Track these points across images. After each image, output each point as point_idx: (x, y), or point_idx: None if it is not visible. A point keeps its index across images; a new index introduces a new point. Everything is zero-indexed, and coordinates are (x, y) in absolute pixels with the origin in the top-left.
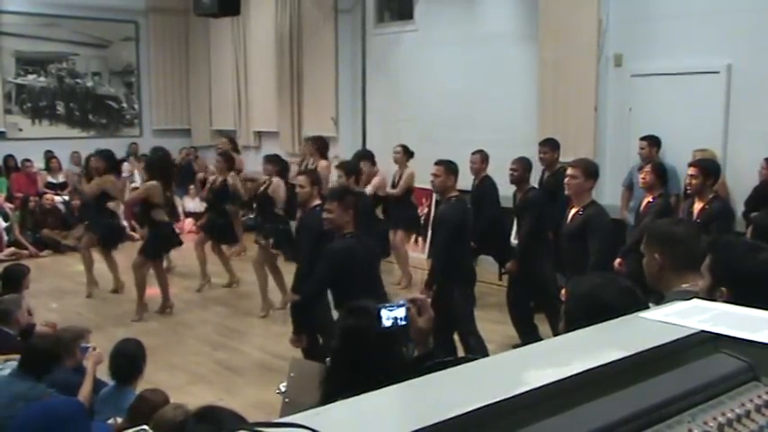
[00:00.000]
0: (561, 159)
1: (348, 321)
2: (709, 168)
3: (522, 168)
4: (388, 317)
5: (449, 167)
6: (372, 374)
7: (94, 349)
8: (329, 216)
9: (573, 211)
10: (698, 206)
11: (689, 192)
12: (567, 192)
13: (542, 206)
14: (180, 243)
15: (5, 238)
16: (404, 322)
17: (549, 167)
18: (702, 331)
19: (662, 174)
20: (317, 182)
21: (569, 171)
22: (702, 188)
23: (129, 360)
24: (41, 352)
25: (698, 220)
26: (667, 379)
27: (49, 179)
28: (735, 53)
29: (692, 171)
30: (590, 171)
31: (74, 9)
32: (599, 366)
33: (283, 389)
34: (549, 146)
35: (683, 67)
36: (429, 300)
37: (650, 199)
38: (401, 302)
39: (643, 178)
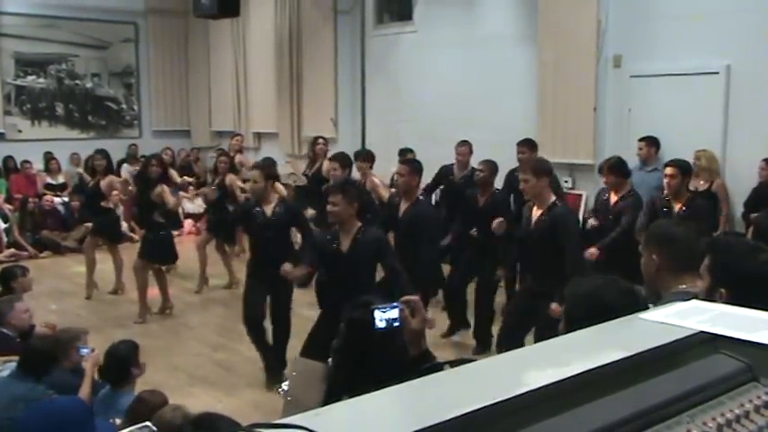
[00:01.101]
0: (561, 160)
1: (355, 315)
2: (685, 168)
3: (489, 171)
4: (381, 318)
5: (413, 167)
6: (376, 372)
7: (93, 351)
8: (334, 209)
9: (537, 213)
10: (677, 206)
11: (666, 193)
12: (525, 197)
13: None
14: (175, 259)
15: (5, 239)
16: (397, 324)
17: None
18: (702, 332)
19: (621, 170)
20: (273, 176)
21: (521, 176)
22: (680, 188)
23: (117, 362)
24: (40, 353)
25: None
26: (667, 380)
27: (49, 180)
28: (734, 54)
29: (669, 171)
30: (539, 170)
31: (73, 10)
32: (599, 367)
33: (285, 388)
34: (528, 146)
35: (682, 68)
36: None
37: (618, 196)
38: (394, 304)
39: (606, 181)
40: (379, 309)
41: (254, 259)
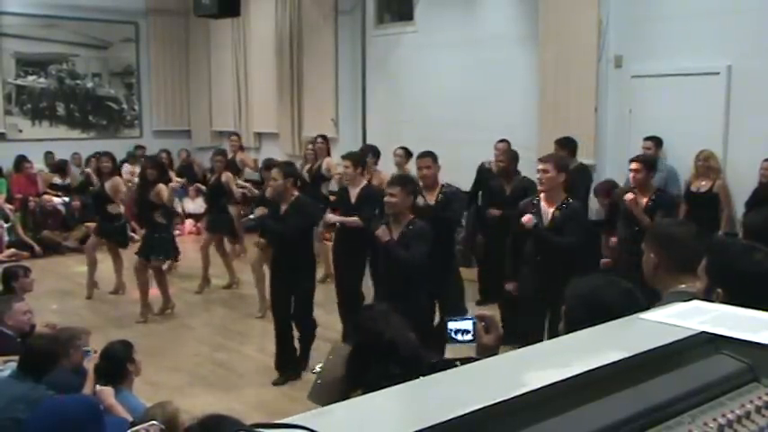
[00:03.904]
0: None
1: (366, 322)
2: (650, 163)
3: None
4: (452, 328)
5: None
6: (384, 377)
7: (95, 352)
8: (392, 200)
9: (430, 196)
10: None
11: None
12: (421, 183)
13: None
14: (177, 255)
15: (6, 239)
16: (470, 337)
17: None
18: (703, 332)
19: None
20: (292, 174)
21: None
22: (646, 182)
23: (113, 362)
24: (39, 353)
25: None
26: (668, 380)
27: (56, 180)
28: (735, 54)
29: (635, 166)
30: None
31: (74, 10)
32: (600, 367)
33: (318, 369)
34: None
35: (683, 68)
36: None
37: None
38: (469, 316)
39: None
40: (452, 319)
41: (273, 258)
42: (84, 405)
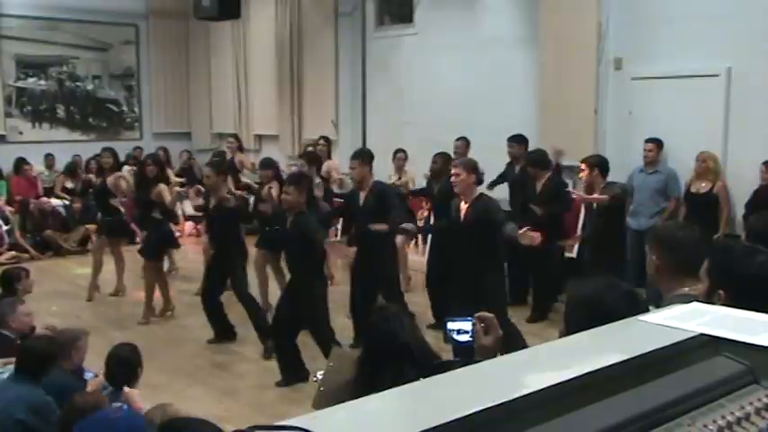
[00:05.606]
0: (562, 162)
1: (378, 324)
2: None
3: (442, 162)
4: (452, 329)
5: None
6: (400, 379)
7: (97, 376)
8: (286, 198)
9: (363, 194)
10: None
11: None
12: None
13: None
14: (177, 246)
15: (7, 240)
16: (469, 338)
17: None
18: (702, 334)
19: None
20: (224, 172)
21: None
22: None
23: (122, 365)
24: (36, 354)
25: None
26: (667, 382)
27: (68, 184)
28: (735, 56)
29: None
30: (367, 160)
31: (74, 12)
32: (599, 369)
33: (320, 376)
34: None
35: (683, 70)
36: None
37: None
38: (468, 317)
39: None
40: (451, 320)
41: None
42: (133, 421)
